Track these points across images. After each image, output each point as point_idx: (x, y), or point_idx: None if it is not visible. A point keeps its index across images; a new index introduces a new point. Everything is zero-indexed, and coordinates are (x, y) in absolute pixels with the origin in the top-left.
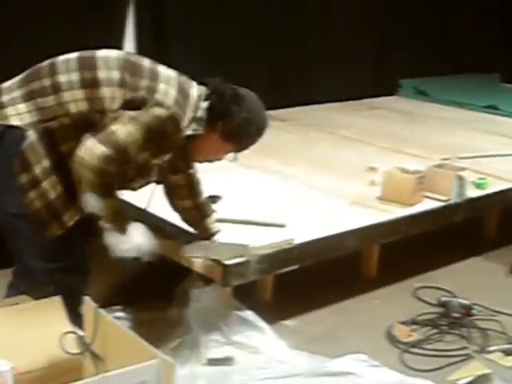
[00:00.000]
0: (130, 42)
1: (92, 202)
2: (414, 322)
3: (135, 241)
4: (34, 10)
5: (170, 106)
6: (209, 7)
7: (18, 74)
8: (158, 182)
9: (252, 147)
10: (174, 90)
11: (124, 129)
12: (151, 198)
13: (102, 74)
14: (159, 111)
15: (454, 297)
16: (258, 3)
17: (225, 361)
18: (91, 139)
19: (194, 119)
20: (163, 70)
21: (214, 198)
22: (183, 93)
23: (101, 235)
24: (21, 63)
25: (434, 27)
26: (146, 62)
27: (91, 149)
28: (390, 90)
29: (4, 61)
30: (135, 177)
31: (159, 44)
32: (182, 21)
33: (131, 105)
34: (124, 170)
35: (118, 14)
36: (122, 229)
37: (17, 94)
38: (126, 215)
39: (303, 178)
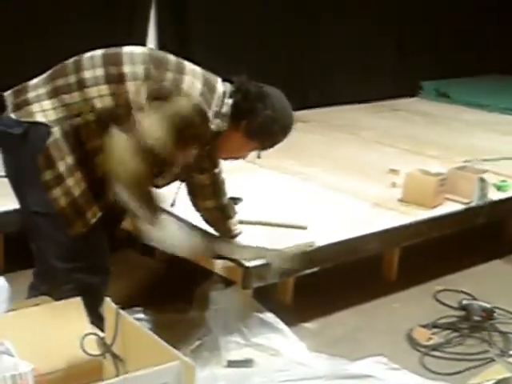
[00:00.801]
0: (151, 42)
1: (122, 194)
2: (434, 325)
3: (169, 232)
4: (58, 10)
5: (195, 97)
6: (229, 7)
7: (43, 73)
8: (182, 180)
9: (274, 148)
10: (200, 82)
11: (149, 119)
12: (177, 195)
13: (126, 69)
14: (185, 102)
15: (475, 300)
16: (278, 4)
17: (245, 363)
18: (118, 131)
19: (218, 115)
20: (189, 65)
21: (234, 200)
22: (209, 86)
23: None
24: (45, 62)
25: (455, 28)
26: (172, 58)
27: (118, 141)
28: (411, 91)
29: (30, 59)
30: (159, 172)
31: (180, 44)
32: (202, 20)
33: (156, 96)
34: (151, 161)
35: (140, 14)
36: (153, 219)
37: (42, 91)
38: (157, 206)
39: (324, 180)
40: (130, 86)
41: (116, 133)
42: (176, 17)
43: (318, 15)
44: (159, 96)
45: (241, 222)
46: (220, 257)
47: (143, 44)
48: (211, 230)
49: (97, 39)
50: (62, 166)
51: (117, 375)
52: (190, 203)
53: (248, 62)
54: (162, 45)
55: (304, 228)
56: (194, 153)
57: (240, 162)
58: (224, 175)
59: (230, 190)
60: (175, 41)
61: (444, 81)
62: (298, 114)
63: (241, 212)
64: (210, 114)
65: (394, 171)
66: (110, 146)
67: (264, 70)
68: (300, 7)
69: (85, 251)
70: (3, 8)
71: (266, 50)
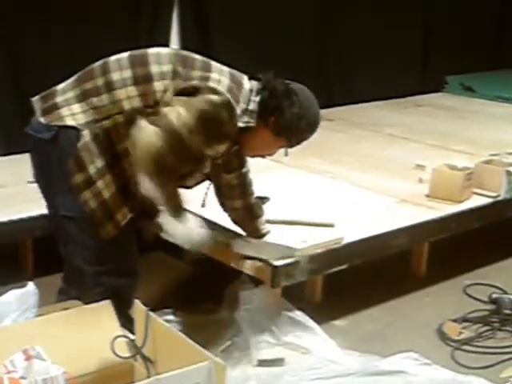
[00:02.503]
0: (174, 43)
1: (146, 185)
2: (464, 320)
3: (190, 228)
4: (80, 13)
5: (223, 92)
6: (253, 7)
7: (69, 77)
8: (210, 181)
9: (299, 146)
10: (227, 79)
11: (175, 111)
12: (206, 196)
13: (154, 69)
14: (212, 97)
15: (505, 293)
16: (303, 4)
17: (276, 362)
18: (144, 121)
19: (246, 111)
20: (215, 63)
21: (262, 199)
22: (236, 82)
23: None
24: (71, 65)
25: (480, 22)
26: (198, 56)
27: (144, 129)
28: (435, 86)
29: (55, 63)
30: (188, 172)
31: (203, 44)
32: (225, 20)
33: (184, 92)
34: (177, 156)
35: (162, 15)
36: (176, 213)
37: (70, 94)
38: (180, 200)
39: (351, 177)
40: (158, 85)
41: (143, 122)
42: (198, 18)
43: (343, 13)
44: (187, 92)
45: (268, 222)
46: (248, 256)
47: (166, 45)
48: (239, 230)
49: (120, 42)
50: (92, 169)
51: (148, 377)
52: (216, 206)
53: (272, 62)
54: (185, 46)
55: (331, 226)
56: (223, 151)
57: (267, 161)
58: (251, 175)
59: (258, 190)
60: (198, 41)
61: (469, 75)
62: (323, 112)
63: (268, 211)
64: (238, 110)
65: (420, 167)
66: (135, 133)
67: (289, 69)
68: (325, 6)
69: (113, 254)
70: (25, 9)
71: (290, 49)
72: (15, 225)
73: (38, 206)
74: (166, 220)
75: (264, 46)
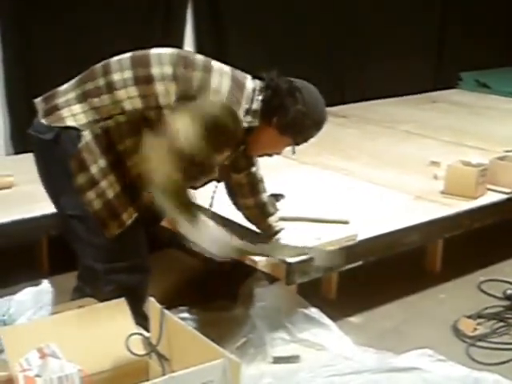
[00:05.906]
0: (189, 44)
1: (160, 198)
2: (479, 316)
3: (211, 234)
4: (93, 14)
5: (224, 95)
6: (267, 7)
7: (74, 77)
8: (218, 180)
9: (313, 144)
10: (228, 80)
11: (179, 122)
12: (214, 196)
13: (155, 70)
14: (214, 101)
15: None
16: (315, 3)
17: (291, 359)
18: (152, 137)
19: (249, 111)
20: (216, 63)
21: (276, 197)
22: (237, 83)
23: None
24: (82, 67)
25: (494, 18)
26: (199, 57)
27: (154, 148)
28: (449, 83)
29: (66, 65)
30: (198, 175)
31: (218, 44)
32: (240, 21)
33: (185, 96)
34: (188, 164)
35: (176, 17)
36: (191, 221)
37: (71, 95)
38: (195, 208)
39: (365, 174)
40: (159, 86)
41: (150, 139)
42: (213, 18)
43: (356, 11)
44: (188, 96)
45: (283, 219)
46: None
47: (180, 46)
48: (253, 228)
49: (133, 43)
50: (94, 169)
51: (163, 374)
52: (225, 205)
53: (286, 62)
54: (200, 47)
55: (346, 223)
56: (230, 153)
57: (281, 158)
58: (265, 172)
59: (272, 187)
60: (212, 42)
61: (483, 71)
62: (336, 109)
63: (283, 208)
64: (241, 111)
65: (435, 163)
66: (146, 153)
67: (302, 68)
68: (338, 3)
69: (121, 252)
70: (38, 10)
71: (303, 49)
72: (30, 223)
73: (52, 205)
74: (185, 228)
75: (278, 44)
